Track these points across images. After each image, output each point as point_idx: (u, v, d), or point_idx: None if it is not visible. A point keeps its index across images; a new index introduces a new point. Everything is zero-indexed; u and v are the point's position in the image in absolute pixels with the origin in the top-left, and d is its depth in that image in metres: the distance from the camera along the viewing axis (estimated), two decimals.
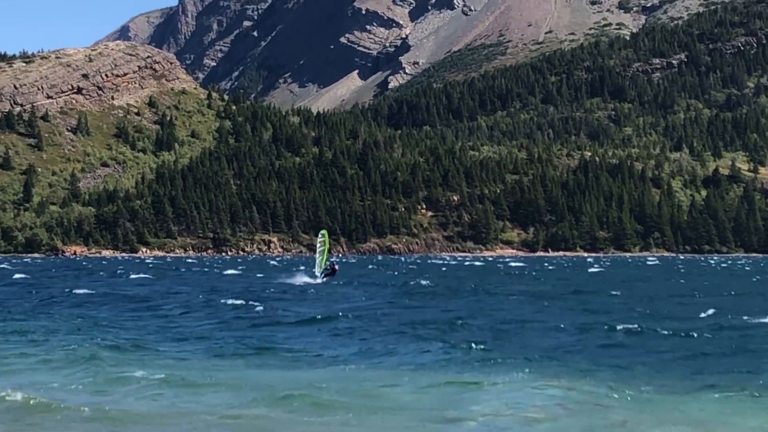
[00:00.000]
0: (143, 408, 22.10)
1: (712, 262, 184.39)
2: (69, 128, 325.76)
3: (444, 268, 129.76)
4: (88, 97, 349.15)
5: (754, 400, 23.10)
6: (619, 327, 37.22)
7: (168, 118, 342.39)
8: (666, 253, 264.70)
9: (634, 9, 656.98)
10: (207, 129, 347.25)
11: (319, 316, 42.67)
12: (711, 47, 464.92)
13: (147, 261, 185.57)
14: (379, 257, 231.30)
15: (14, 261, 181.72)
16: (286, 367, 28.79)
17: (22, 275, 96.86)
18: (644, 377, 26.33)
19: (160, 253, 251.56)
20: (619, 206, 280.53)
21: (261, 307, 48.48)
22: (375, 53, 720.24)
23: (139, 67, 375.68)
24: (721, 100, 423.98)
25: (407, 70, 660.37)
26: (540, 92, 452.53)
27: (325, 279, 80.00)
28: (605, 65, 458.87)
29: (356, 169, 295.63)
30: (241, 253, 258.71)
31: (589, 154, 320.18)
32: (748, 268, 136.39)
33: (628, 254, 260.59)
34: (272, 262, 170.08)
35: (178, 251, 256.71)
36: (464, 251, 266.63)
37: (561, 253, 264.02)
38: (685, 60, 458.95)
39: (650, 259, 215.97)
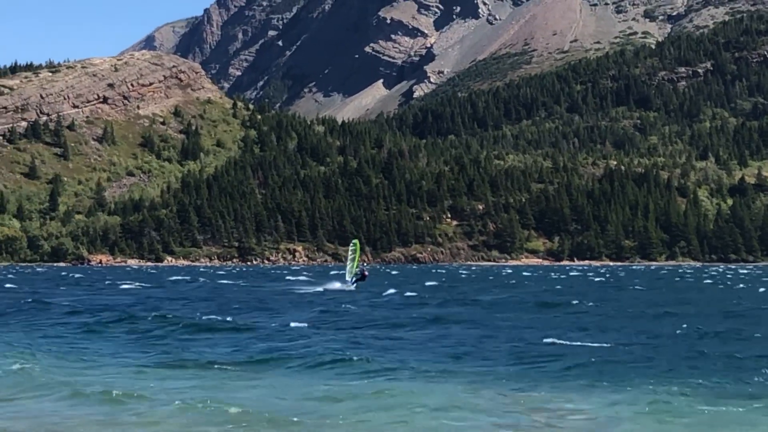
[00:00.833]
0: None
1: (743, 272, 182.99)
2: (95, 138, 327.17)
3: (530, 282, 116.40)
4: (113, 106, 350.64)
5: None
6: None
7: (193, 128, 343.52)
8: (692, 262, 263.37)
9: (660, 18, 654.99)
10: (232, 138, 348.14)
11: None
12: (737, 56, 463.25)
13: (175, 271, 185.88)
14: (413, 266, 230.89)
15: (17, 269, 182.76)
16: None
17: (10, 285, 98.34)
18: None
19: (186, 263, 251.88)
20: (644, 215, 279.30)
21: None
22: (400, 62, 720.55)
23: (164, 76, 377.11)
24: (747, 109, 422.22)
25: (432, 80, 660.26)
26: (565, 101, 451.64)
27: (355, 284, 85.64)
28: (631, 74, 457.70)
29: (381, 178, 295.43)
30: (266, 262, 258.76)
31: (615, 163, 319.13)
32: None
33: (654, 263, 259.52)
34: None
35: (203, 260, 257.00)
36: (489, 260, 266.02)
37: (586, 262, 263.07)
38: (711, 68, 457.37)
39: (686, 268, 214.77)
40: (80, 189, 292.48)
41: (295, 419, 22.58)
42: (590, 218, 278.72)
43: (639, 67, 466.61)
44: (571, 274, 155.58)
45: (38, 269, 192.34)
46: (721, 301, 70.46)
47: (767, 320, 50.91)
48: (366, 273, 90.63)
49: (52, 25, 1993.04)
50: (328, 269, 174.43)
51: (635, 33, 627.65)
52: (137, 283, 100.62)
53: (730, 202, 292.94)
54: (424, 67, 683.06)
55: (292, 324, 45.28)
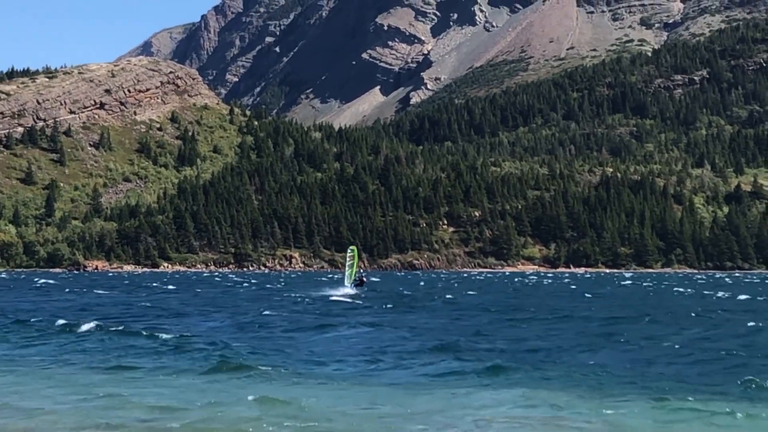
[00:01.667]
0: None
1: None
2: (91, 143, 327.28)
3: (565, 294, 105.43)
4: (110, 112, 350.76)
5: None
6: None
7: (190, 134, 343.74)
8: (688, 270, 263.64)
9: (656, 25, 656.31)
10: (229, 144, 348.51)
11: None
12: (733, 63, 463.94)
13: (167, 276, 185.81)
14: (420, 273, 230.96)
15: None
16: None
17: None
18: None
19: (182, 268, 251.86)
20: (640, 222, 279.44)
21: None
22: (397, 69, 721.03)
23: (161, 82, 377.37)
24: (743, 117, 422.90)
25: (429, 86, 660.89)
26: (562, 108, 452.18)
27: (355, 289, 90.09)
28: (627, 81, 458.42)
29: (378, 184, 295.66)
30: (262, 268, 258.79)
31: (611, 170, 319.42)
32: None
33: (650, 270, 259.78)
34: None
35: (199, 266, 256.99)
36: (485, 267, 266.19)
37: (583, 269, 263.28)
38: (707, 76, 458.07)
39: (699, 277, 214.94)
40: (76, 195, 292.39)
41: None
42: (586, 225, 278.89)
43: (635, 75, 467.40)
44: (545, 282, 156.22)
45: (22, 275, 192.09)
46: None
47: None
48: (364, 279, 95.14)
49: (49, 31, 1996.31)
50: (323, 275, 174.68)
51: (631, 40, 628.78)
52: (116, 291, 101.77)
53: (725, 209, 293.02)
54: (421, 73, 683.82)
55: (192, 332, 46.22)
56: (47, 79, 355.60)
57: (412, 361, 35.00)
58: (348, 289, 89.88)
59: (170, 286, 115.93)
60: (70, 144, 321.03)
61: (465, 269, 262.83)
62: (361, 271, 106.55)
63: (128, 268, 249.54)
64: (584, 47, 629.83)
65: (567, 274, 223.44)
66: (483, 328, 48.61)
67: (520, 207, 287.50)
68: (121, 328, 46.74)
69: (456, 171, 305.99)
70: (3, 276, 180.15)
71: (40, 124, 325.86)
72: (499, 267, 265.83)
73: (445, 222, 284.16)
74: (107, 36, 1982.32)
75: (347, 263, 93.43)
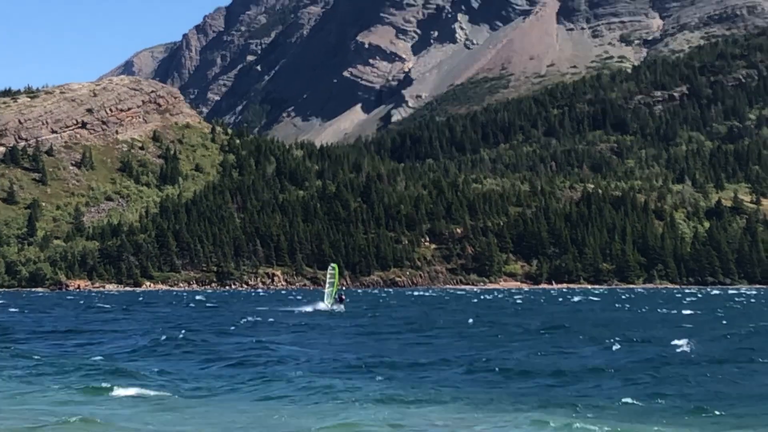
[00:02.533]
0: None
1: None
2: (73, 163, 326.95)
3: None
4: (92, 131, 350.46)
5: None
6: None
7: (172, 152, 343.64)
8: (670, 285, 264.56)
9: (636, 42, 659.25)
10: (211, 163, 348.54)
11: None
12: (712, 80, 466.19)
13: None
14: (389, 290, 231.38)
15: None
16: None
17: None
18: None
19: (164, 287, 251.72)
20: (622, 238, 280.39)
21: None
22: (378, 87, 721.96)
23: (143, 101, 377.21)
24: (723, 132, 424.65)
25: (410, 104, 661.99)
26: (542, 125, 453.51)
27: (333, 306, 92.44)
28: (607, 98, 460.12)
29: (359, 202, 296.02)
30: (245, 286, 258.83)
31: (592, 186, 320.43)
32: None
33: (633, 286, 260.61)
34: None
35: (181, 285, 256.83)
36: (468, 284, 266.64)
37: (564, 285, 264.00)
38: (687, 92, 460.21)
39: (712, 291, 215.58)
40: (58, 214, 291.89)
41: None
42: (568, 241, 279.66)
43: (615, 91, 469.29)
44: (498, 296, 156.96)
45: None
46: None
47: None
48: (343, 297, 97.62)
49: (31, 50, 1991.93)
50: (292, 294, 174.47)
51: (611, 57, 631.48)
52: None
53: (706, 225, 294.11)
54: (402, 91, 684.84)
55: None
56: (29, 99, 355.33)
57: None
58: (322, 305, 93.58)
59: (103, 304, 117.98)
60: (52, 163, 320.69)
61: (448, 285, 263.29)
62: (342, 288, 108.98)
63: (111, 287, 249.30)
64: (564, 64, 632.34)
65: (540, 291, 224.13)
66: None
67: (501, 224, 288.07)
68: None
69: (438, 188, 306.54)
70: None
71: (22, 143, 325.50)
72: (481, 284, 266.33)
73: (427, 239, 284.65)
74: (89, 55, 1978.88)
75: (328, 280, 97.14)
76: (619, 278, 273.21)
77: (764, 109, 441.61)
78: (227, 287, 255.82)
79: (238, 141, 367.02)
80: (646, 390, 33.29)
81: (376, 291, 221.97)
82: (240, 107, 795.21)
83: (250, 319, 76.85)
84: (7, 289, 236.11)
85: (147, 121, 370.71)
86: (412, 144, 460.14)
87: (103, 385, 33.69)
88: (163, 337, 53.43)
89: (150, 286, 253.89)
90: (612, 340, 51.31)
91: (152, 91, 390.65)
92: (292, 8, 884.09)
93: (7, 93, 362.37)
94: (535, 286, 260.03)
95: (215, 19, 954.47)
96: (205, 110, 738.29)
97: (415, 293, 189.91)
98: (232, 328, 65.39)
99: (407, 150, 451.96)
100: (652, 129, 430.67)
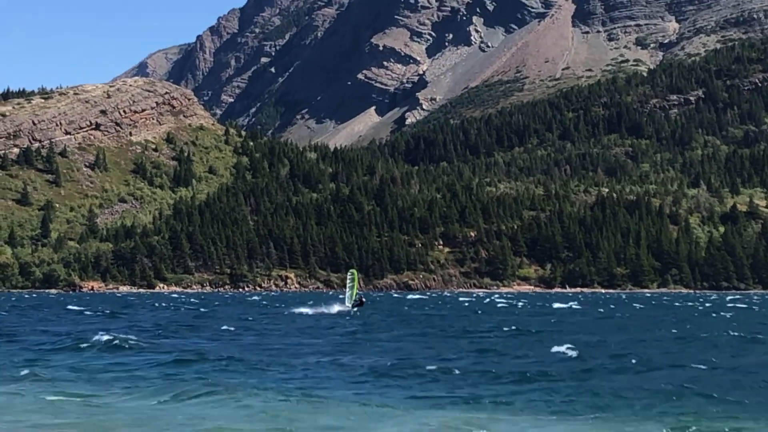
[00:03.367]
0: None
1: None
2: (87, 164, 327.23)
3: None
4: (106, 133, 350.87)
5: None
6: None
7: (185, 154, 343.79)
8: (684, 290, 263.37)
9: (651, 45, 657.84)
10: (224, 165, 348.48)
11: None
12: (728, 83, 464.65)
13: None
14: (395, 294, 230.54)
15: None
16: None
17: None
18: None
19: (178, 289, 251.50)
20: (636, 243, 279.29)
21: None
22: (392, 89, 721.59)
23: (157, 103, 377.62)
24: (739, 137, 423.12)
25: (424, 107, 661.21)
26: (557, 128, 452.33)
27: (355, 309, 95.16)
28: (622, 101, 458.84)
29: (373, 205, 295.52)
30: (258, 288, 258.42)
31: (607, 190, 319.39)
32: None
33: (647, 291, 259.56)
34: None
35: (195, 287, 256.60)
36: (481, 287, 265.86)
37: (578, 289, 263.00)
38: (703, 96, 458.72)
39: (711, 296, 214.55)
40: (72, 215, 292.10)
41: None
42: (582, 246, 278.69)
43: (631, 95, 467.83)
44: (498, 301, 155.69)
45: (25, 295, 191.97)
46: None
47: None
48: (363, 300, 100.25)
49: (45, 52, 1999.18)
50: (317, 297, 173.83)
51: (627, 60, 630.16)
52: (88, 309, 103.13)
53: (721, 229, 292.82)
54: (417, 94, 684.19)
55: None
56: (43, 100, 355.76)
57: None
58: (340, 307, 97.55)
59: (73, 306, 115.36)
60: (66, 165, 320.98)
61: (461, 289, 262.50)
62: (360, 292, 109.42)
63: (124, 288, 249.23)
64: (579, 67, 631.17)
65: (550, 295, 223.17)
66: None
67: (515, 227, 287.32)
68: None
69: (451, 191, 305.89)
70: None
71: (36, 144, 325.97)
72: (495, 287, 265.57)
73: (441, 242, 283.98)
74: (103, 57, 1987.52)
75: (348, 285, 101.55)
76: (633, 283, 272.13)
77: None
78: (240, 289, 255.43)
79: (251, 143, 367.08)
80: None
81: (397, 294, 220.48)
82: (254, 109, 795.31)
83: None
84: (20, 291, 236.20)
85: (161, 123, 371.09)
86: (426, 147, 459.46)
87: None
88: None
89: (163, 287, 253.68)
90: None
91: (166, 93, 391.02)
92: (307, 10, 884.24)
93: (21, 94, 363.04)
94: (549, 291, 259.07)
95: (229, 21, 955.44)
96: (218, 112, 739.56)
97: (462, 298, 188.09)
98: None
99: (421, 153, 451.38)
100: (668, 133, 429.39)
